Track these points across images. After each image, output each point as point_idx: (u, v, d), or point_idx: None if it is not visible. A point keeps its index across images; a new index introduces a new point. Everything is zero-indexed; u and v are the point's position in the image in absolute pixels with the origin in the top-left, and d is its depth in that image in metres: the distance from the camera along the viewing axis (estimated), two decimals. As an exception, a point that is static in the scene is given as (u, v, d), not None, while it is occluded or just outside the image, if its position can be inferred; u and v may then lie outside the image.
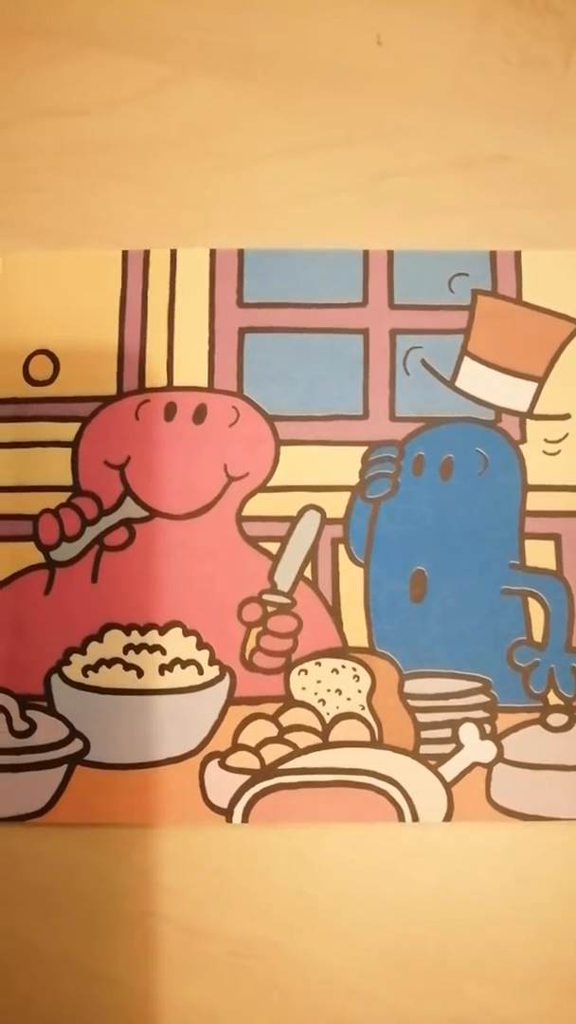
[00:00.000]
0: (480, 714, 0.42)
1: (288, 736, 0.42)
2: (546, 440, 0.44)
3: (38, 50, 0.47)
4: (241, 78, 0.47)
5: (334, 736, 0.42)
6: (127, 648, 0.42)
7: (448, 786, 0.42)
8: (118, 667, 0.42)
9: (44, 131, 0.47)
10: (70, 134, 0.47)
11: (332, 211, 0.46)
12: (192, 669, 0.42)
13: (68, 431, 0.44)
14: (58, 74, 0.47)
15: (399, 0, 0.48)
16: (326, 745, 0.42)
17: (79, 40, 0.47)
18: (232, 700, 0.42)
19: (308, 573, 0.43)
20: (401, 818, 0.41)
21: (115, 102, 0.47)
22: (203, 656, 0.42)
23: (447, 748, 0.42)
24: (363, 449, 0.44)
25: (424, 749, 0.42)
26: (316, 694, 0.42)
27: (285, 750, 0.42)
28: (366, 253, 0.45)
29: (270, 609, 0.43)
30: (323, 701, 0.42)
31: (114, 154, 0.46)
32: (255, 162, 0.46)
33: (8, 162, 0.46)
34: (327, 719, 0.42)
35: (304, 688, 0.42)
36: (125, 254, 0.45)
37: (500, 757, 0.42)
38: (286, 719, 0.42)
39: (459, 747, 0.42)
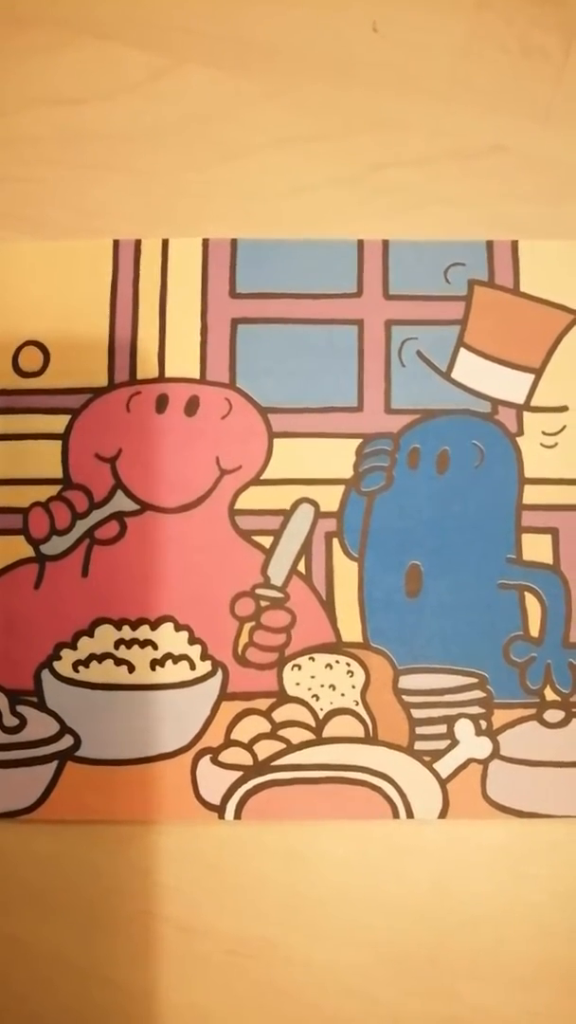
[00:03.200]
0: (476, 710, 0.42)
1: (281, 732, 0.42)
2: (543, 432, 0.44)
3: (34, 39, 0.47)
4: (237, 68, 0.47)
5: (328, 732, 0.42)
6: (118, 643, 0.42)
7: (443, 783, 0.41)
8: (109, 662, 0.42)
9: (39, 120, 0.46)
10: (65, 123, 0.46)
11: (328, 202, 0.46)
12: (184, 664, 0.42)
13: (58, 423, 0.43)
14: (54, 63, 0.47)
15: (395, -12, 0.47)
16: (320, 741, 0.42)
17: (75, 29, 0.47)
18: (225, 695, 0.42)
19: (302, 567, 0.43)
20: (396, 815, 0.41)
21: (111, 91, 0.47)
22: (195, 651, 0.42)
23: (442, 744, 0.42)
24: (358, 442, 0.44)
25: (419, 745, 0.42)
26: (310, 689, 0.42)
27: (278, 746, 0.42)
28: (360, 243, 0.45)
29: (263, 604, 0.43)
30: (316, 697, 0.42)
31: (109, 144, 0.46)
32: (251, 152, 0.46)
33: (2, 151, 0.46)
34: (321, 715, 0.42)
35: (298, 683, 0.42)
36: (116, 243, 0.45)
37: (496, 753, 0.42)
38: (279, 715, 0.42)
39: (454, 743, 0.42)
